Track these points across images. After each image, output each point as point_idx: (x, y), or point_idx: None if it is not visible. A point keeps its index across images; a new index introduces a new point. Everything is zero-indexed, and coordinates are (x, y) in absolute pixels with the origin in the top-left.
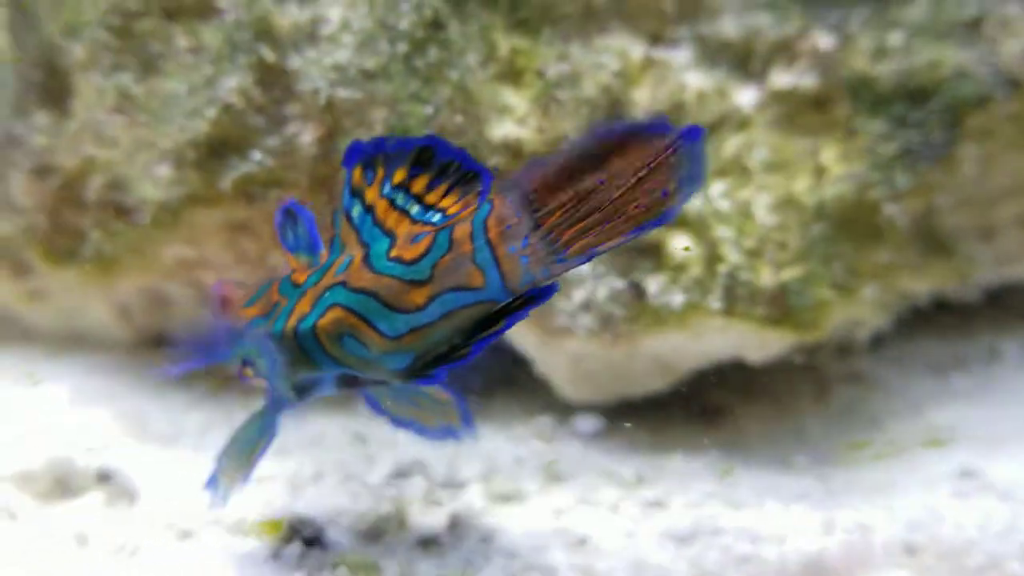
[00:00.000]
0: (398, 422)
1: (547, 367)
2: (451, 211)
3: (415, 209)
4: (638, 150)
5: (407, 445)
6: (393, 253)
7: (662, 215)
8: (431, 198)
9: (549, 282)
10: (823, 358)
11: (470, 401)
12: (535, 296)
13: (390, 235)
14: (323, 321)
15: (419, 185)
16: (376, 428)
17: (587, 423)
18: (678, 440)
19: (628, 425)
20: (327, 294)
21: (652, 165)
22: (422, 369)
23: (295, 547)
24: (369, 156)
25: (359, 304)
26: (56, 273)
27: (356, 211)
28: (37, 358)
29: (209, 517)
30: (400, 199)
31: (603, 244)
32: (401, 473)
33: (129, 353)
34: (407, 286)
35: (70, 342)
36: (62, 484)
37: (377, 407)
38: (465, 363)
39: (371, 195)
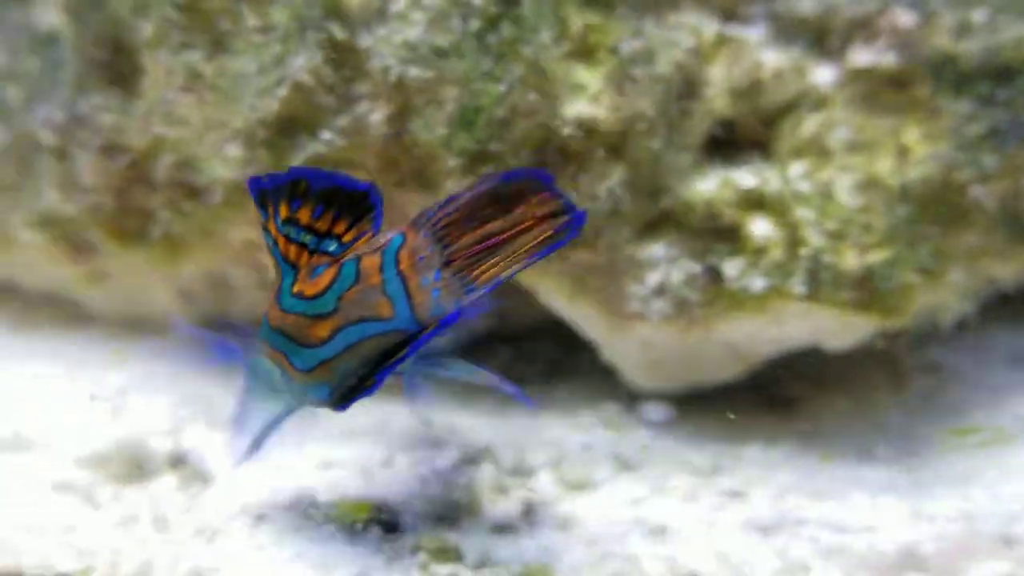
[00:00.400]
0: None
1: (615, 353)
2: (346, 238)
3: (309, 239)
4: (534, 199)
5: (473, 432)
6: (295, 288)
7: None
8: (321, 226)
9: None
10: (900, 346)
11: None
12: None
13: (295, 268)
14: (264, 353)
15: (305, 216)
16: (441, 414)
17: (656, 411)
18: (751, 430)
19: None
20: (261, 328)
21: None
22: (339, 400)
23: (373, 531)
24: (258, 193)
25: (275, 340)
26: (122, 255)
27: (269, 246)
28: (98, 342)
29: (282, 501)
30: (292, 232)
31: (505, 273)
32: (469, 460)
33: (191, 337)
34: (311, 320)
35: (130, 326)
36: (136, 467)
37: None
38: (371, 393)
39: (272, 230)
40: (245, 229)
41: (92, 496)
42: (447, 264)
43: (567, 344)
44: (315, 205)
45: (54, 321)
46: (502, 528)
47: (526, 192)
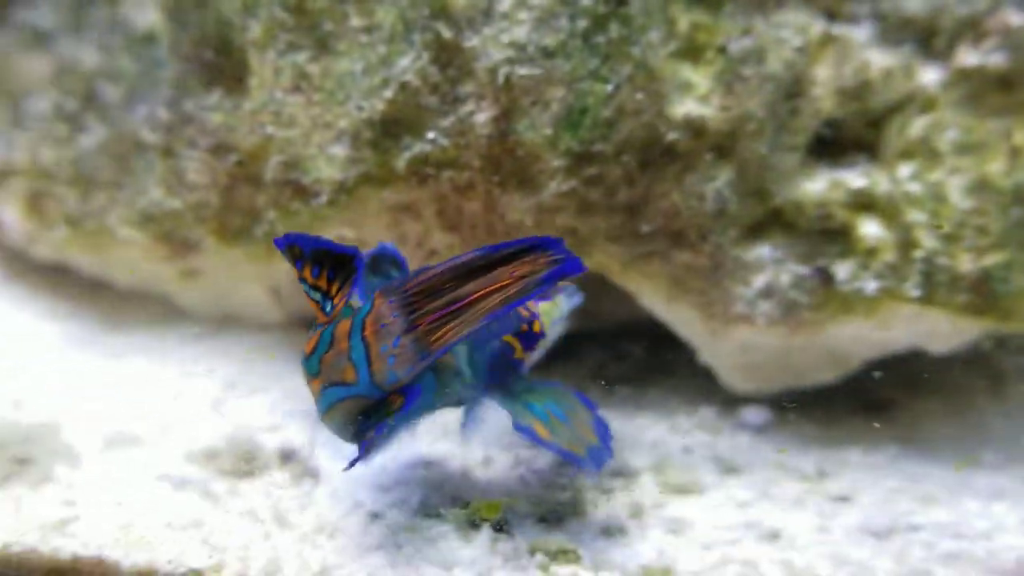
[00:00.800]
0: (538, 440)
1: (713, 355)
2: (336, 300)
3: (318, 297)
4: (527, 259)
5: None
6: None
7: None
8: (322, 285)
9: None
10: (999, 351)
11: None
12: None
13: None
14: None
15: (308, 276)
16: None
17: (754, 414)
18: (849, 434)
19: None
20: None
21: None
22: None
23: (485, 531)
24: (284, 249)
25: None
26: (222, 252)
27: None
28: (191, 338)
29: (391, 500)
30: (307, 290)
31: (461, 333)
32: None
33: (285, 333)
34: (309, 378)
35: (221, 322)
36: (245, 462)
37: (518, 425)
38: (364, 457)
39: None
40: (341, 228)
41: (209, 491)
42: (410, 330)
43: (660, 343)
44: (312, 266)
45: (145, 317)
46: (611, 531)
47: (522, 255)
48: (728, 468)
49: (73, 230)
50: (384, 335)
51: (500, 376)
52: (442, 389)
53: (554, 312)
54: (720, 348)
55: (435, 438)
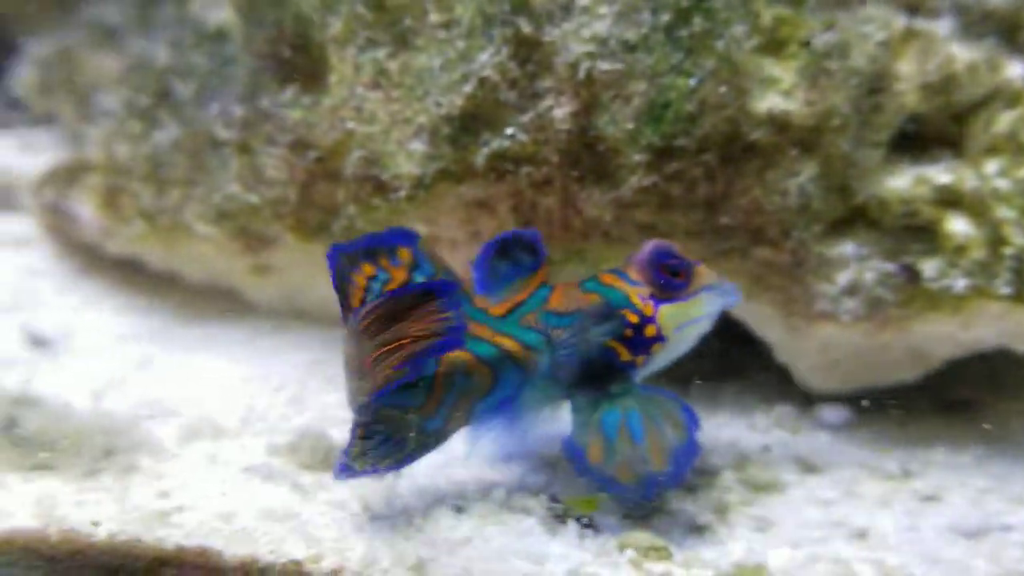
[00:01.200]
0: (579, 462)
1: (791, 354)
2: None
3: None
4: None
5: None
6: None
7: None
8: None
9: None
10: None
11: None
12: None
13: None
14: None
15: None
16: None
17: (833, 413)
18: (932, 433)
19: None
20: None
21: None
22: None
23: (571, 527)
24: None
25: None
26: (300, 247)
27: None
28: (263, 331)
29: (473, 493)
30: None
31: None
32: None
33: None
34: None
35: (292, 316)
36: (325, 454)
37: (567, 442)
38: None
39: None
40: (417, 224)
41: (298, 484)
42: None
43: (731, 341)
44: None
45: (216, 311)
46: (699, 528)
47: (419, 306)
48: (808, 467)
49: (149, 225)
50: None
51: (597, 381)
52: (533, 391)
53: (691, 311)
54: (799, 346)
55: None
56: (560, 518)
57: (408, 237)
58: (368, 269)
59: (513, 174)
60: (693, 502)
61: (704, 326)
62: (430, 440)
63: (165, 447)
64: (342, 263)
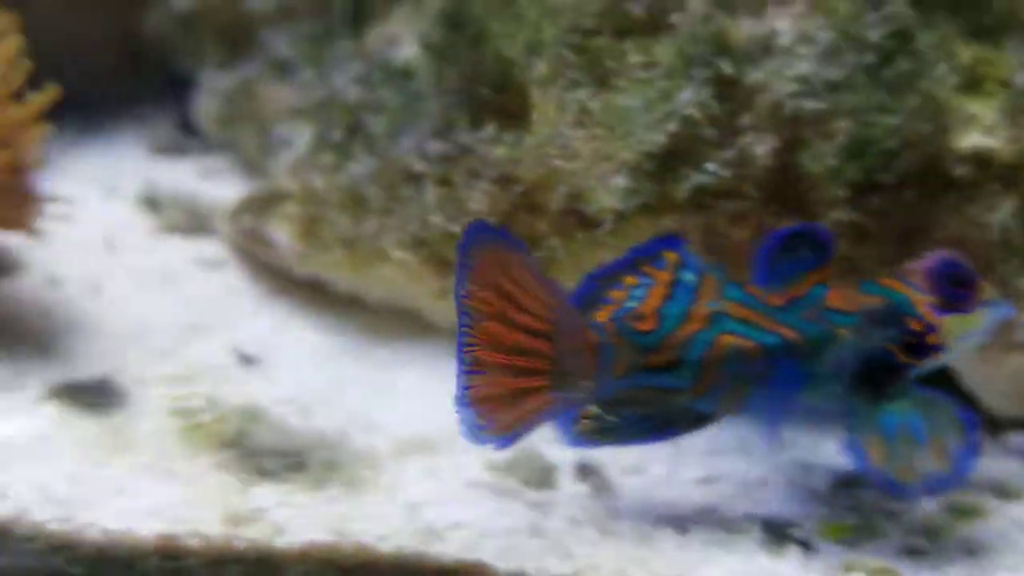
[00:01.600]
0: (863, 464)
1: (981, 381)
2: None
3: None
4: None
5: (840, 455)
6: None
7: None
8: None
9: None
10: None
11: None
12: None
13: None
14: None
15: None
16: (801, 435)
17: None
18: None
19: None
20: None
21: None
22: None
23: (792, 548)
24: None
25: None
26: None
27: None
28: (449, 353)
29: (688, 514)
30: None
31: None
32: (845, 482)
33: None
34: None
35: None
36: (544, 473)
37: (849, 443)
38: None
39: None
40: (603, 254)
41: (529, 500)
42: None
43: None
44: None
45: (400, 331)
46: (914, 552)
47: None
48: (1004, 492)
49: (348, 252)
50: None
51: (875, 382)
52: (813, 385)
53: (973, 324)
54: (991, 374)
55: (706, 456)
56: (778, 540)
57: (673, 241)
58: (630, 280)
59: (710, 208)
60: (899, 525)
61: (982, 340)
62: (696, 423)
63: (382, 461)
64: (593, 289)
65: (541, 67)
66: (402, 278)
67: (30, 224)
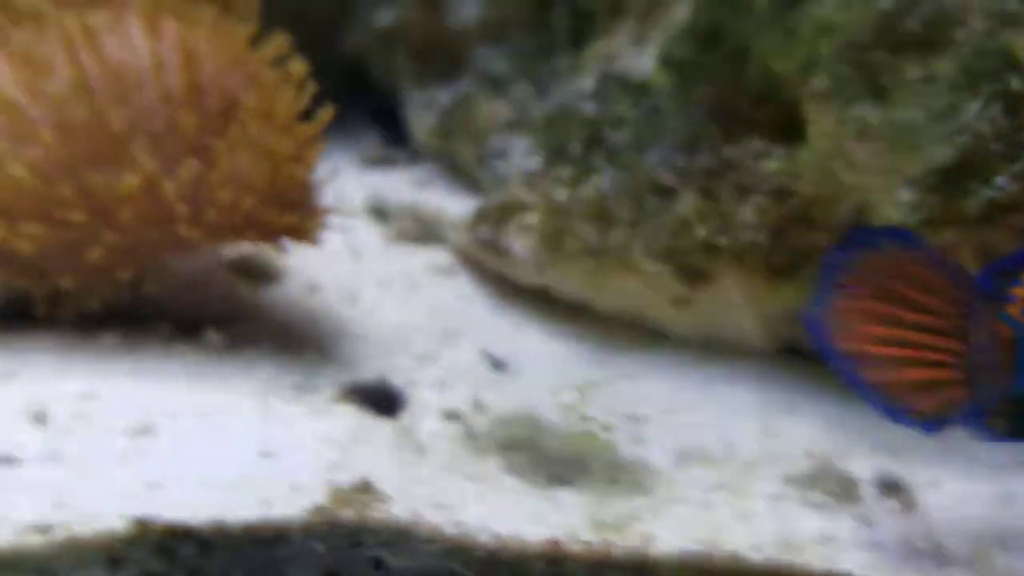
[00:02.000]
0: None
1: None
2: None
3: None
4: None
5: None
6: None
7: None
8: None
9: None
10: None
11: None
12: None
13: None
14: None
15: None
16: None
17: None
18: None
19: None
20: None
21: None
22: None
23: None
24: None
25: None
26: (742, 285)
27: None
28: (688, 362)
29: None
30: None
31: None
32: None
33: (771, 361)
34: None
35: (704, 348)
36: (846, 488)
37: None
38: None
39: None
40: None
41: (846, 513)
42: None
43: None
44: None
45: (633, 339)
46: None
47: None
48: None
49: (595, 262)
50: None
51: None
52: None
53: None
54: None
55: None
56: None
57: None
58: None
59: (997, 223)
60: None
61: None
62: None
63: (659, 470)
64: (992, 284)
65: (818, 82)
66: (643, 288)
67: (317, 236)
